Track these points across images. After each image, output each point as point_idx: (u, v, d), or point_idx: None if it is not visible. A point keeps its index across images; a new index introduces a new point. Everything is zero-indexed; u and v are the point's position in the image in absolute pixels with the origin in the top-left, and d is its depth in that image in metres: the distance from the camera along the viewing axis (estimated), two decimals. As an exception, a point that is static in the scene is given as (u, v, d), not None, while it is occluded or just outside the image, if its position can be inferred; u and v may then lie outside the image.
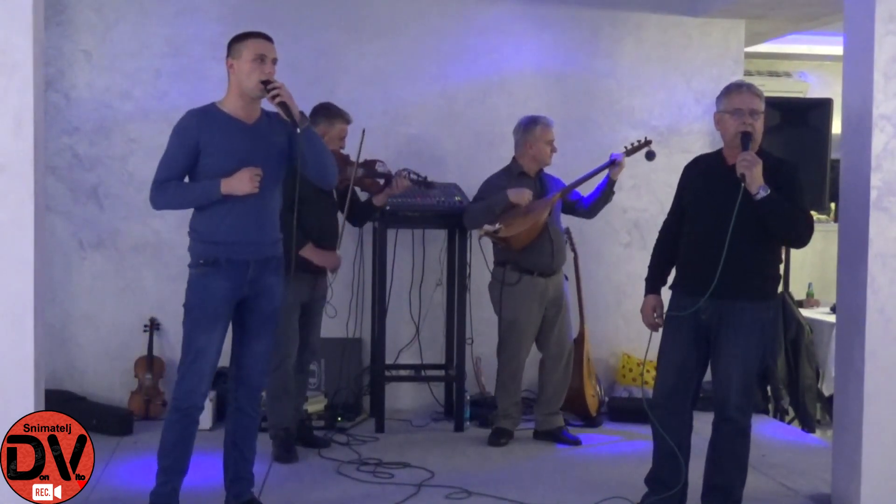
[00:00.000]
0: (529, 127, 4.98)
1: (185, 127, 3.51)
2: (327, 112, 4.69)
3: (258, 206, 3.53)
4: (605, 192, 4.96)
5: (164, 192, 3.51)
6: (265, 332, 3.64)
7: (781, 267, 5.99)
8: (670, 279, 3.89)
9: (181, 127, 3.52)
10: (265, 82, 3.47)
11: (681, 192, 3.87)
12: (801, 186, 3.65)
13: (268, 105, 3.57)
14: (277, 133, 3.57)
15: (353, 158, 4.73)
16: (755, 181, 3.45)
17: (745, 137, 3.54)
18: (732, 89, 3.66)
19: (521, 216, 4.84)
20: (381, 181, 4.84)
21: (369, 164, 4.82)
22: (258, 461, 4.42)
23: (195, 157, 3.49)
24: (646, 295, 3.87)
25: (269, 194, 3.57)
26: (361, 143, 4.67)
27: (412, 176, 4.95)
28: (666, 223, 3.92)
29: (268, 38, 3.55)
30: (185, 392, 3.52)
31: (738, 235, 3.48)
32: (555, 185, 5.05)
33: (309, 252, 4.52)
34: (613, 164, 4.89)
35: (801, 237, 3.61)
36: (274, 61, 3.52)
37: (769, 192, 3.46)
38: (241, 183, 3.44)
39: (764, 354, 3.67)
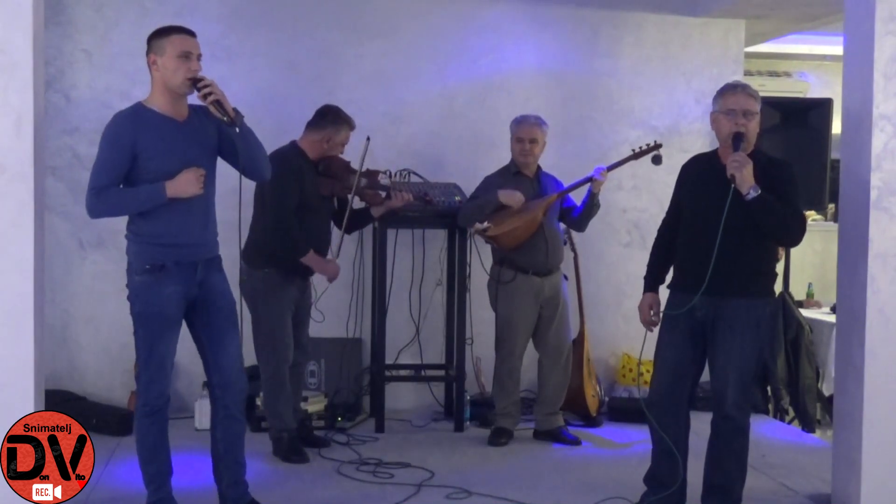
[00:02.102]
0: (510, 125, 5.02)
1: (118, 131, 3.38)
2: (336, 117, 4.64)
3: (202, 205, 3.47)
4: (589, 206, 4.95)
5: (105, 201, 3.37)
6: (233, 331, 3.59)
7: (781, 266, 6.07)
8: (669, 278, 3.90)
9: (113, 131, 3.39)
10: (194, 80, 3.38)
11: (677, 191, 3.90)
12: (796, 186, 3.67)
13: (193, 98, 3.49)
14: (208, 128, 3.49)
15: (354, 166, 4.71)
16: (745, 182, 3.48)
17: (737, 138, 3.57)
18: (727, 90, 3.69)
19: (512, 216, 4.85)
20: (383, 193, 4.83)
21: (372, 175, 4.80)
22: (267, 463, 4.44)
23: (132, 160, 3.37)
24: (644, 293, 3.89)
25: (210, 192, 3.52)
26: (365, 151, 4.64)
27: (410, 177, 4.93)
28: (664, 222, 3.96)
29: (191, 33, 3.46)
30: (154, 396, 3.48)
31: (730, 234, 3.52)
32: (554, 185, 5.05)
33: (311, 260, 4.51)
34: (592, 180, 4.88)
35: (793, 237, 3.65)
36: (199, 57, 3.44)
37: (759, 192, 3.48)
38: (188, 184, 3.37)
39: (761, 352, 3.69)
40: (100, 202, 3.38)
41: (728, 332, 3.62)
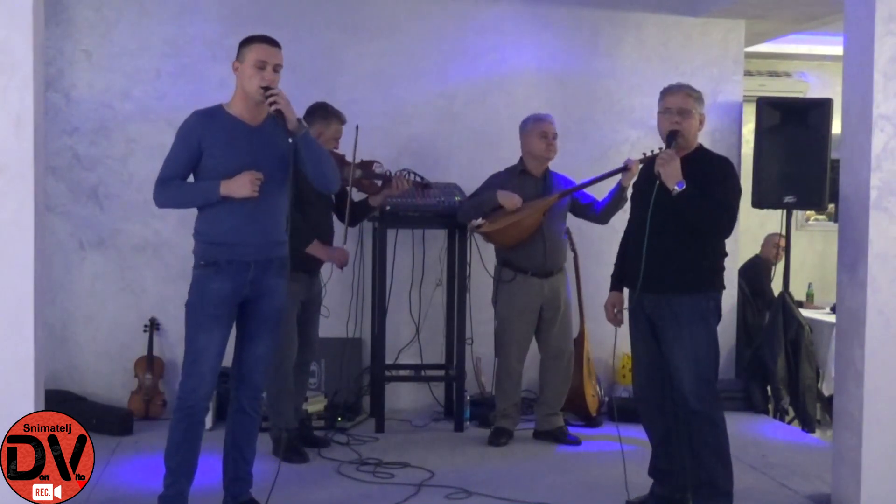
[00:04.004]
0: (524, 124, 5.02)
1: (189, 127, 3.54)
2: (324, 112, 4.69)
3: (260, 207, 3.53)
4: (616, 198, 4.89)
5: (166, 190, 3.54)
6: (266, 333, 3.65)
7: (781, 266, 6.07)
8: None
9: (185, 127, 3.55)
10: (265, 88, 3.47)
11: (632, 194, 4.03)
12: (729, 181, 3.75)
13: None
14: (282, 136, 3.56)
15: (348, 158, 4.73)
16: (671, 177, 3.59)
17: (671, 136, 3.72)
18: (666, 91, 3.84)
19: (508, 214, 4.85)
20: (379, 182, 4.84)
21: (367, 165, 4.82)
22: (266, 462, 4.44)
23: (198, 157, 3.51)
24: (609, 292, 4.04)
25: (274, 196, 3.58)
26: (356, 141, 4.66)
27: (411, 176, 4.94)
28: (627, 223, 4.06)
29: (273, 44, 3.56)
30: (186, 392, 3.54)
31: (662, 231, 3.65)
32: (563, 185, 5.03)
33: (316, 248, 4.53)
34: (625, 169, 4.79)
35: (720, 230, 3.72)
36: (276, 68, 3.53)
37: (685, 187, 3.58)
38: (241, 186, 3.45)
39: (715, 344, 3.77)
40: (161, 191, 3.55)
41: (675, 328, 3.70)
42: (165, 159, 3.56)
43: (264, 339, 3.65)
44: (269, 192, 3.53)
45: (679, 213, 3.62)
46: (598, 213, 5.00)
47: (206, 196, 3.50)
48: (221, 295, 3.51)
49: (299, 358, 4.62)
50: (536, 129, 4.95)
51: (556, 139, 4.99)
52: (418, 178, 5.04)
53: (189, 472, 3.59)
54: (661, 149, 4.77)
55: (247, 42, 3.56)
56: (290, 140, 3.49)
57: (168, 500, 3.56)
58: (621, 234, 5.93)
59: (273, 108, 3.46)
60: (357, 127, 4.67)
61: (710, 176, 3.68)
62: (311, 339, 4.75)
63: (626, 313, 3.97)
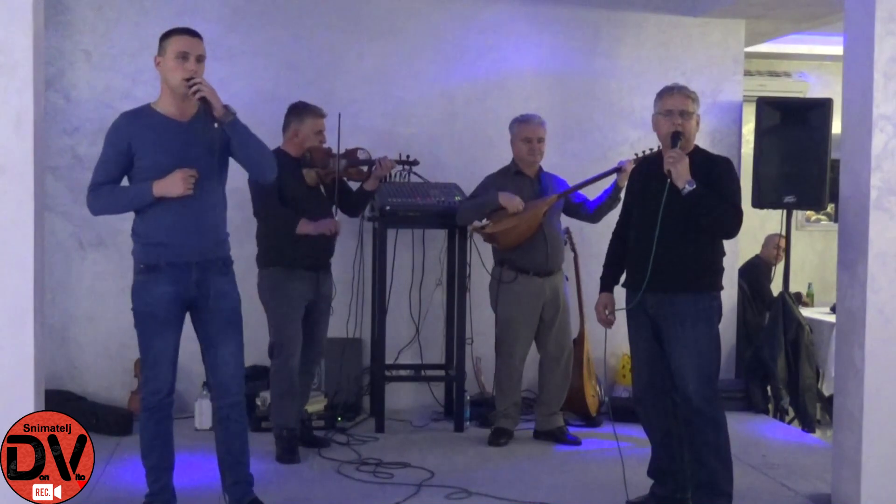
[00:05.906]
0: (511, 126, 5.03)
1: (117, 129, 3.46)
2: (296, 110, 4.68)
3: (198, 206, 3.46)
4: (611, 198, 4.91)
5: (99, 197, 3.47)
6: (229, 334, 3.57)
7: (781, 266, 6.08)
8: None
9: (113, 129, 3.47)
10: (187, 79, 3.39)
11: (627, 193, 4.06)
12: (734, 181, 3.78)
13: None
14: (215, 130, 3.46)
15: (335, 152, 4.73)
16: (681, 176, 3.60)
17: (675, 137, 3.72)
18: (664, 92, 3.86)
19: (511, 215, 4.85)
20: (365, 168, 4.84)
21: (351, 154, 4.81)
22: (266, 462, 4.44)
23: (129, 159, 3.43)
24: (599, 293, 4.01)
25: (210, 193, 3.50)
26: (339, 130, 4.65)
27: (411, 186, 4.95)
28: (617, 223, 4.08)
29: (193, 35, 3.47)
30: (151, 394, 3.52)
31: (669, 230, 3.64)
32: (557, 185, 5.04)
33: (304, 226, 4.49)
34: (620, 170, 4.82)
35: (728, 230, 3.74)
36: (199, 58, 3.44)
37: (695, 186, 3.59)
38: (174, 185, 3.38)
39: (719, 343, 3.79)
40: (94, 199, 3.49)
41: (679, 327, 3.70)
42: (97, 164, 3.48)
43: (227, 343, 3.56)
44: (206, 188, 3.46)
45: (687, 212, 3.62)
46: (591, 212, 5.02)
47: (141, 199, 3.43)
48: (167, 299, 3.45)
49: (303, 358, 4.61)
50: (521, 134, 4.96)
51: (543, 142, 4.96)
52: (403, 158, 5.04)
53: (168, 466, 3.60)
54: (651, 150, 4.84)
55: (166, 35, 3.47)
56: (216, 125, 3.38)
57: (155, 496, 3.57)
58: (621, 233, 6.01)
59: (197, 96, 3.36)
60: (339, 115, 4.64)
61: (711, 176, 3.69)
62: (317, 340, 4.73)
63: (618, 313, 3.96)
